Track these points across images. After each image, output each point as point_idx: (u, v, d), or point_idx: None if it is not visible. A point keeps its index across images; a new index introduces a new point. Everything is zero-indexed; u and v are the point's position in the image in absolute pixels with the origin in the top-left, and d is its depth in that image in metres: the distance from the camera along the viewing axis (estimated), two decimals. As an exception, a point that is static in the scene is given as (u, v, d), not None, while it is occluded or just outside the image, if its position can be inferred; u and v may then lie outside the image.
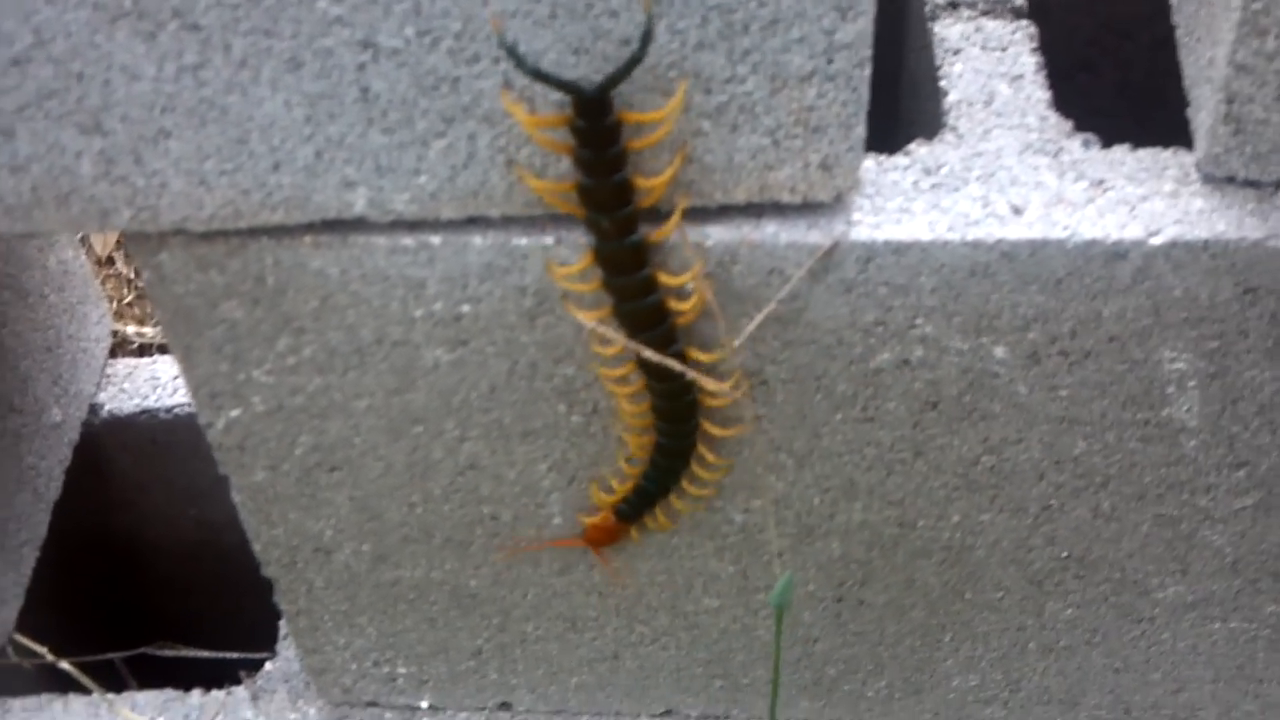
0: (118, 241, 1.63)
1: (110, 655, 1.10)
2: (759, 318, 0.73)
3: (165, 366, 1.35)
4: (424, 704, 1.04)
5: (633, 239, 0.68)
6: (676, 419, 0.77)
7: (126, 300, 1.62)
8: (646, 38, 0.61)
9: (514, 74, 0.64)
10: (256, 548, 0.91)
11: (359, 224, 0.72)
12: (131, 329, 1.54)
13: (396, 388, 0.80)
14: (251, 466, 0.85)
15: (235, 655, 1.12)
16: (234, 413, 0.82)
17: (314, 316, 0.76)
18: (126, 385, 1.33)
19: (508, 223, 0.71)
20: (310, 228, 0.72)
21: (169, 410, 1.31)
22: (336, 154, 0.68)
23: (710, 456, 0.79)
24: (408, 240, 0.72)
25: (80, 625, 1.36)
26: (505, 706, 1.04)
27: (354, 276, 0.74)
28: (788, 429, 0.80)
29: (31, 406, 1.17)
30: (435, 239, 0.72)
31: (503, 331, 0.76)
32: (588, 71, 0.64)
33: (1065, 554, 0.87)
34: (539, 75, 0.62)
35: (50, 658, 1.08)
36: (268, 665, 1.09)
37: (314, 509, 0.88)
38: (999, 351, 0.74)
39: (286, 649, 1.10)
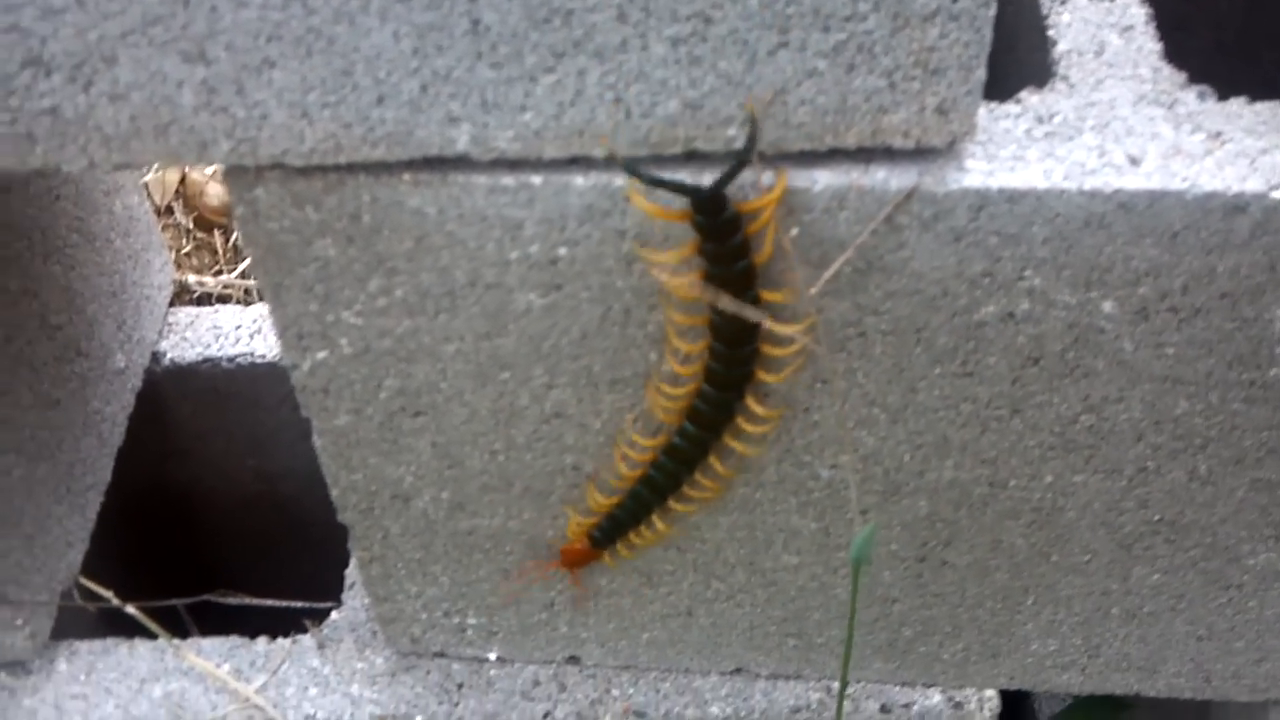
0: (176, 191, 1.63)
1: (174, 601, 1.10)
2: (836, 264, 0.72)
3: (227, 315, 1.34)
4: (492, 655, 1.03)
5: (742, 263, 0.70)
6: (725, 386, 0.77)
7: (185, 250, 1.62)
8: (752, 141, 0.65)
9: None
10: (334, 493, 0.91)
11: (460, 162, 0.70)
12: (192, 278, 1.53)
13: (486, 332, 0.79)
14: (335, 410, 0.85)
15: (300, 604, 1.12)
16: (320, 355, 0.81)
17: (408, 257, 0.75)
18: (188, 334, 1.33)
19: (610, 163, 0.70)
20: (410, 165, 0.71)
21: (231, 359, 1.31)
22: (442, 88, 0.66)
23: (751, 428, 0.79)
24: (508, 180, 0.71)
25: (134, 575, 1.36)
26: (573, 660, 1.03)
27: (451, 216, 0.72)
28: (883, 383, 0.78)
29: (97, 351, 1.17)
30: (536, 179, 0.70)
31: (598, 276, 0.75)
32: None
33: (1157, 518, 0.85)
34: (655, 182, 0.66)
35: (116, 602, 1.08)
36: (334, 614, 1.09)
37: (395, 455, 0.87)
38: (1107, 306, 0.73)
39: (353, 598, 1.10)
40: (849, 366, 0.77)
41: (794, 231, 0.70)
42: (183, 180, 1.62)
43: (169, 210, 1.62)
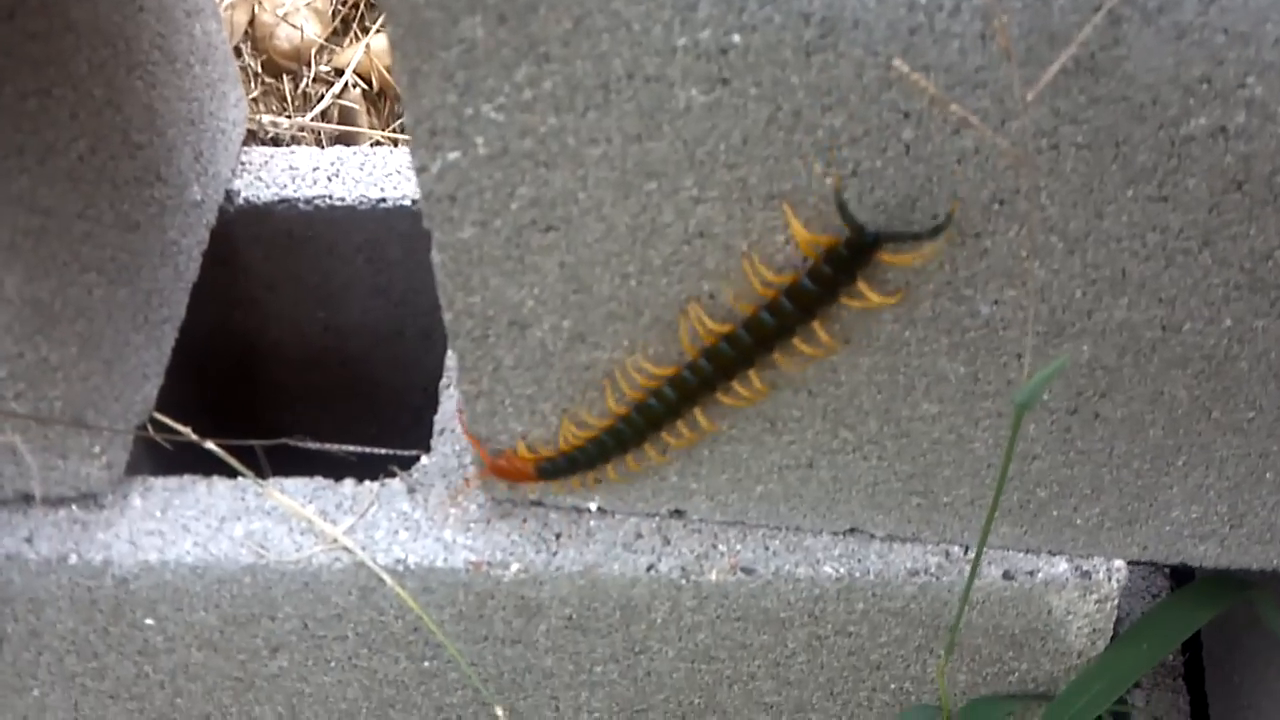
0: (245, 33, 1.55)
1: (252, 442, 1.05)
2: (1057, 63, 0.65)
3: (304, 156, 1.28)
4: (592, 506, 0.98)
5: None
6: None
7: (252, 95, 1.55)
8: (942, 227, 0.72)
9: None
10: (448, 317, 0.85)
11: (635, -73, 0.64)
12: (266, 119, 1.46)
13: (638, 134, 0.72)
14: (460, 221, 0.79)
15: (385, 451, 1.07)
16: (452, 155, 0.75)
17: (563, 41, 0.69)
18: (263, 174, 1.27)
19: (801, -63, 0.63)
20: (580, -71, 0.64)
21: (308, 201, 1.25)
22: None
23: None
24: (687, -50, 0.64)
25: (193, 424, 1.31)
26: (678, 514, 0.98)
27: (618, -7, 0.66)
28: (1067, 206, 0.72)
29: (175, 179, 1.11)
30: (718, -49, 0.64)
31: (771, 69, 0.68)
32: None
33: (1336, 373, 0.80)
34: (842, 208, 0.72)
35: (194, 437, 1.02)
36: (424, 459, 1.04)
37: (518, 275, 0.81)
38: (1332, 122, 0.67)
39: (444, 444, 1.04)
40: (1034, 185, 0.71)
41: (1003, 19, 0.64)
42: (251, 21, 1.54)
43: (236, 53, 1.54)
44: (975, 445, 0.88)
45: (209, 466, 1.06)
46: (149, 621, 1.03)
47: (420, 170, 0.76)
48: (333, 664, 1.06)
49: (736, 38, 0.67)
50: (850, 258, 0.74)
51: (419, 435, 1.26)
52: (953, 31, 0.66)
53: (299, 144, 1.49)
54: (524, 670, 1.06)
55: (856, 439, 0.89)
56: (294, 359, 1.39)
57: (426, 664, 1.06)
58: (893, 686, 1.06)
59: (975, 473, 0.90)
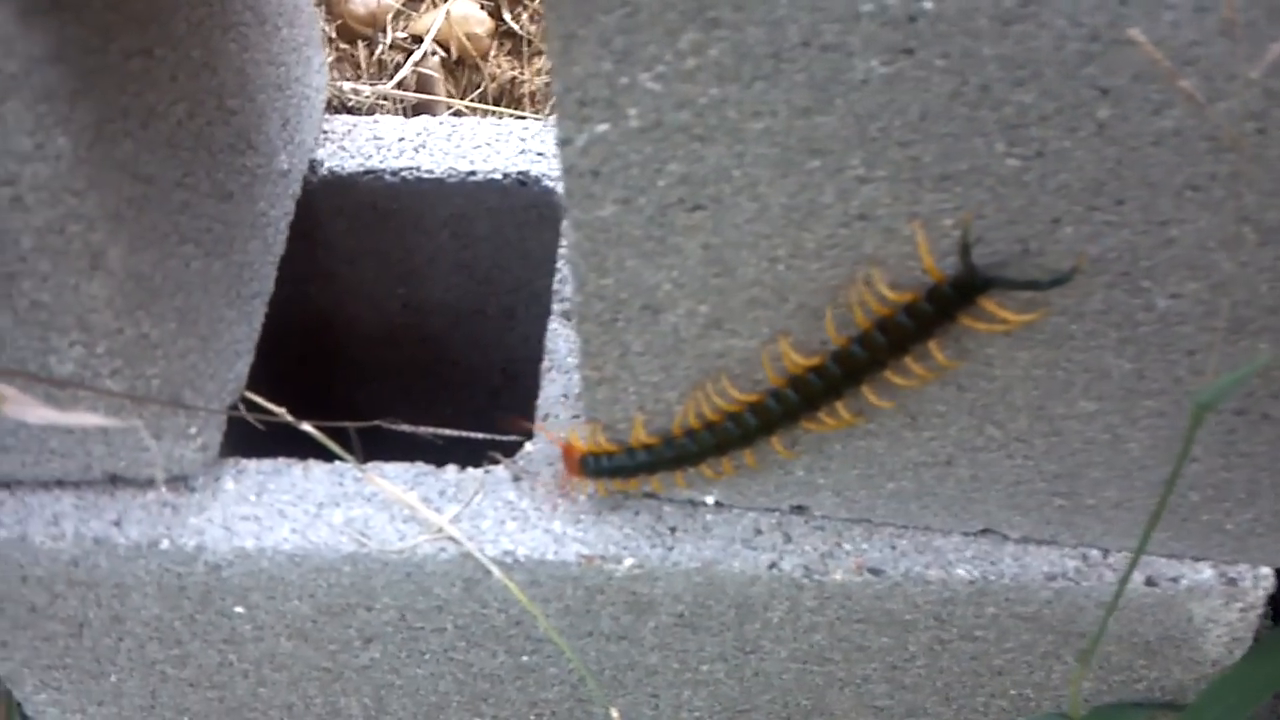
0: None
1: (346, 424, 1.00)
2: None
3: (389, 126, 1.23)
4: (709, 499, 0.93)
5: None
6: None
7: (328, 61, 1.49)
8: (1063, 280, 0.71)
9: None
10: (577, 299, 0.80)
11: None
12: (347, 85, 1.41)
13: (807, 107, 0.67)
14: (602, 198, 0.74)
15: (484, 435, 1.02)
16: (601, 128, 0.70)
17: (735, 6, 0.63)
18: (346, 143, 1.22)
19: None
20: (770, -118, 0.59)
21: (395, 173, 1.20)
22: None
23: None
24: (885, -92, 0.59)
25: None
26: (799, 510, 0.93)
27: (804, -47, 0.61)
28: (1266, 194, 0.67)
29: (265, 147, 1.06)
30: (919, -92, 0.59)
31: (962, 39, 0.63)
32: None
33: None
34: (966, 244, 0.71)
35: (289, 418, 0.98)
36: (527, 446, 0.99)
37: (658, 257, 0.76)
38: None
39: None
40: (1239, 171, 0.66)
41: (1233, -13, 0.58)
42: (327, -16, 1.49)
43: (311, 16, 1.49)
44: (1130, 446, 0.83)
45: (294, 448, 1.01)
46: (239, 610, 0.99)
47: (564, 143, 0.71)
48: (427, 656, 1.02)
49: (928, 4, 0.62)
50: (956, 294, 0.73)
51: (494, 418, 1.21)
52: (1167, 3, 0.61)
53: (375, 113, 1.43)
54: (626, 667, 1.02)
55: (1003, 436, 0.84)
56: (370, 337, 1.35)
57: (525, 659, 1.01)
58: (1012, 693, 1.01)
59: (1126, 474, 0.85)
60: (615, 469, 0.88)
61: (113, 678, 1.08)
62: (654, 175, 0.72)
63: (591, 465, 0.89)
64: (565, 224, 0.77)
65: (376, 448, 1.03)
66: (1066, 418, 0.82)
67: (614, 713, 0.91)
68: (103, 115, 0.78)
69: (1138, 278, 0.73)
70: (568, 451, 0.90)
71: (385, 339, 1.34)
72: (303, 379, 1.37)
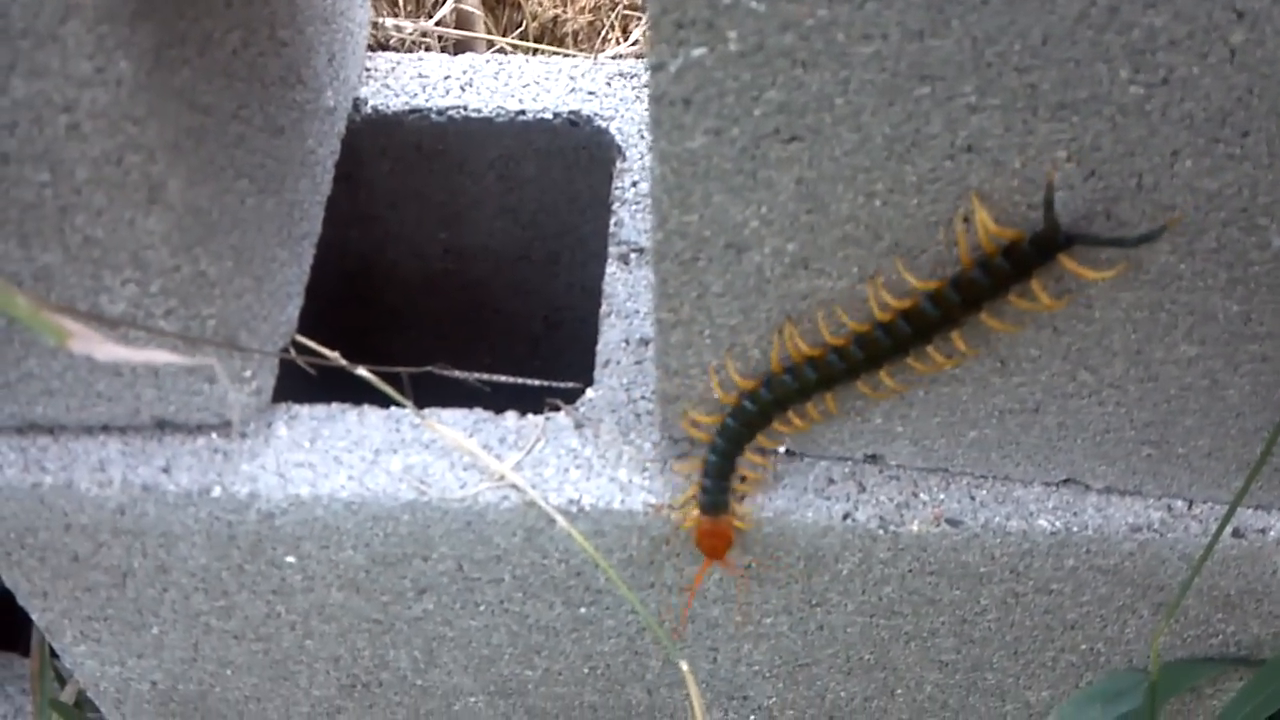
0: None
1: (399, 369, 0.96)
2: None
3: (433, 64, 1.19)
4: (781, 448, 0.90)
5: None
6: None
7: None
8: (1152, 237, 0.70)
9: None
10: (658, 236, 0.76)
11: None
12: (389, 21, 1.37)
13: (921, 29, 0.64)
14: (691, 129, 0.70)
15: (539, 382, 0.99)
16: (697, 51, 0.66)
17: (853, -81, 0.60)
18: (390, 81, 1.18)
19: None
20: None
21: (441, 112, 1.16)
22: None
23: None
24: None
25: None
26: (873, 459, 0.90)
27: None
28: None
29: (313, 82, 1.02)
30: None
31: (1095, -43, 0.59)
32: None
33: None
34: (1049, 200, 0.69)
35: (343, 362, 0.94)
36: (589, 393, 0.96)
37: (747, 192, 0.73)
38: None
39: (609, 377, 0.96)
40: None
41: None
42: (363, -83, 1.43)
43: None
44: (1229, 393, 0.80)
45: (342, 396, 0.98)
46: (290, 560, 0.96)
47: (656, 68, 0.68)
48: (482, 608, 0.99)
49: (1061, -82, 0.58)
50: (1035, 253, 0.71)
51: (536, 366, 1.18)
52: (1318, -85, 0.57)
53: (414, 51, 1.39)
54: (687, 620, 0.99)
55: (1096, 382, 0.81)
56: (409, 283, 1.31)
57: (583, 610, 0.99)
58: (1083, 647, 0.99)
59: (1221, 422, 0.82)
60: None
61: (155, 629, 1.05)
62: (750, 104, 0.68)
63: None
64: (650, 157, 0.73)
65: (419, 396, 1.00)
66: (1165, 362, 0.79)
67: (684, 665, 0.89)
68: (162, 40, 0.74)
69: (1255, 214, 0.69)
70: (703, 539, 0.88)
71: (425, 285, 1.31)
72: (339, 326, 1.33)
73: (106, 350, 0.64)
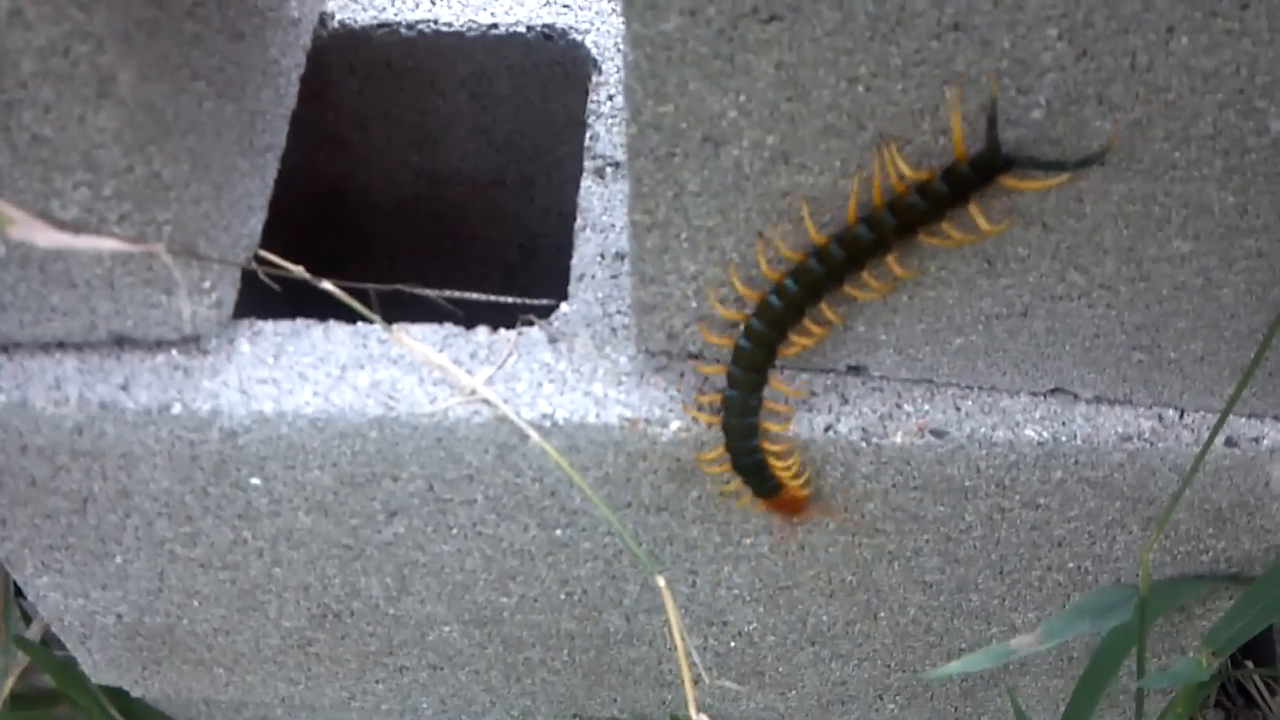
0: None
1: (366, 285, 0.93)
2: None
3: (402, -26, 1.15)
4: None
5: None
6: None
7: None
8: (1093, 161, 0.70)
9: None
10: (631, 130, 0.73)
11: None
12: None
13: (906, -106, 0.60)
14: (666, 9, 0.67)
15: (512, 299, 0.96)
16: (671, -78, 0.63)
17: None
18: (357, -5, 1.14)
19: None
20: None
21: (411, 26, 1.12)
22: None
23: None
24: None
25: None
26: (855, 370, 0.88)
27: None
28: None
29: (275, -11, 0.98)
30: None
31: None
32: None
33: None
34: (993, 116, 0.68)
35: (306, 275, 0.91)
36: (563, 307, 0.93)
37: (724, 78, 0.70)
38: None
39: (584, 291, 0.94)
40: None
41: None
42: None
43: None
44: (1223, 292, 0.77)
45: (309, 315, 0.95)
46: (255, 481, 0.93)
47: (628, -58, 0.64)
48: (454, 531, 0.97)
49: None
50: (976, 174, 0.70)
51: (514, 293, 1.14)
52: None
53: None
54: (665, 541, 0.97)
55: (1086, 283, 0.78)
56: (381, 208, 1.28)
57: (559, 532, 0.96)
58: (1070, 565, 0.97)
59: (1214, 324, 0.80)
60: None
61: (118, 559, 1.02)
62: (727, -20, 0.65)
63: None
64: (623, 42, 0.70)
65: (388, 320, 0.97)
66: (1157, 260, 0.76)
67: (660, 581, 0.86)
68: (108, -78, 0.71)
69: (1253, 96, 0.67)
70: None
71: (397, 211, 1.27)
72: (310, 252, 1.29)
73: (49, 237, 0.61)
